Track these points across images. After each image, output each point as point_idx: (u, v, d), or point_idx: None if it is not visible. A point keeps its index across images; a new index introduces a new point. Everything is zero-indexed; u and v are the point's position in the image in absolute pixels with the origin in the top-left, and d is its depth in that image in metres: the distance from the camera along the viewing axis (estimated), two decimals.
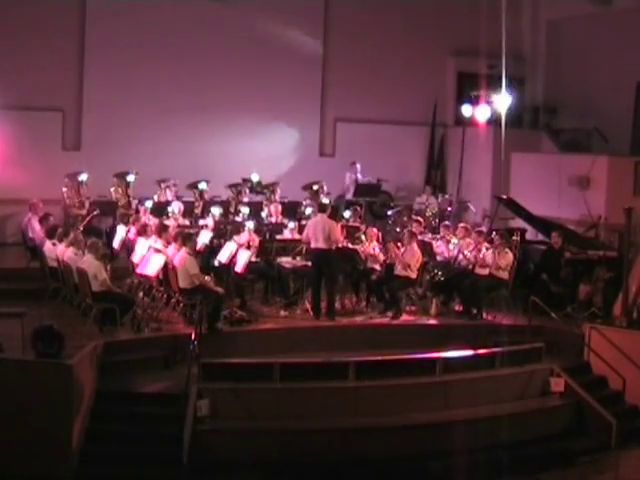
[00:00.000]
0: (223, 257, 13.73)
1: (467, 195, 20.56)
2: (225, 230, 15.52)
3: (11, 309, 11.72)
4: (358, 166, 19.99)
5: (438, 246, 15.42)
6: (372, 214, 20.08)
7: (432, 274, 14.99)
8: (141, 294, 13.67)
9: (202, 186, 18.26)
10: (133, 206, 17.39)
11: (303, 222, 16.76)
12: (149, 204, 16.77)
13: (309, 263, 14.41)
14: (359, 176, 19.96)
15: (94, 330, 12.33)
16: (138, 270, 13.45)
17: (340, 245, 14.42)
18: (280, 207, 17.36)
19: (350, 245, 14.91)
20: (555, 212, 18.12)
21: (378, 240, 15.20)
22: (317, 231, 14.00)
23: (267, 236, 15.64)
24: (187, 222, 16.58)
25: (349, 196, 19.69)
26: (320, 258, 13.97)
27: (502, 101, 19.80)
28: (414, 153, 21.71)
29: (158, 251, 13.36)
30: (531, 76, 22.26)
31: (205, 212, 17.21)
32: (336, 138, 21.34)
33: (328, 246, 13.96)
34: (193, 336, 11.51)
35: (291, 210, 17.61)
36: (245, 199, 18.17)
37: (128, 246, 14.75)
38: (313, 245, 14.03)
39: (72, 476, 10.26)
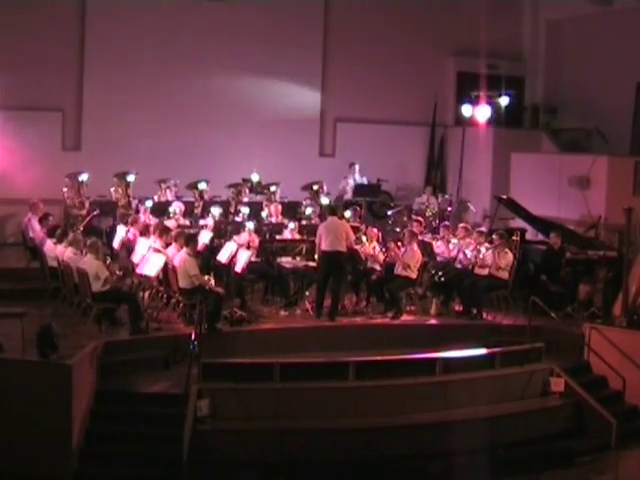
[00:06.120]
0: (223, 257, 13.73)
1: (467, 195, 20.52)
2: (225, 230, 15.53)
3: (11, 309, 11.71)
4: (357, 167, 19.97)
5: (438, 246, 15.42)
6: (372, 214, 20.04)
7: (432, 274, 14.98)
8: (141, 294, 13.67)
9: (202, 186, 18.23)
10: (133, 206, 17.38)
11: (303, 222, 16.81)
12: (149, 204, 16.78)
13: (310, 263, 14.42)
14: (357, 177, 19.90)
15: (94, 330, 12.33)
16: (138, 270, 13.45)
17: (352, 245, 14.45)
18: (280, 207, 17.36)
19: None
20: (555, 212, 18.10)
21: (378, 240, 15.20)
22: (331, 233, 13.97)
23: (267, 236, 15.65)
24: (187, 222, 16.58)
25: (348, 197, 19.63)
26: (332, 260, 13.93)
27: (502, 101, 19.81)
28: (414, 153, 21.67)
29: (158, 251, 13.36)
30: (531, 76, 22.24)
31: (205, 212, 17.19)
32: (336, 138, 21.32)
33: (343, 248, 13.98)
34: (193, 336, 11.50)
35: (291, 210, 17.60)
36: (245, 199, 18.17)
37: (128, 246, 14.75)
38: (325, 247, 13.99)
39: (72, 476, 10.28)
